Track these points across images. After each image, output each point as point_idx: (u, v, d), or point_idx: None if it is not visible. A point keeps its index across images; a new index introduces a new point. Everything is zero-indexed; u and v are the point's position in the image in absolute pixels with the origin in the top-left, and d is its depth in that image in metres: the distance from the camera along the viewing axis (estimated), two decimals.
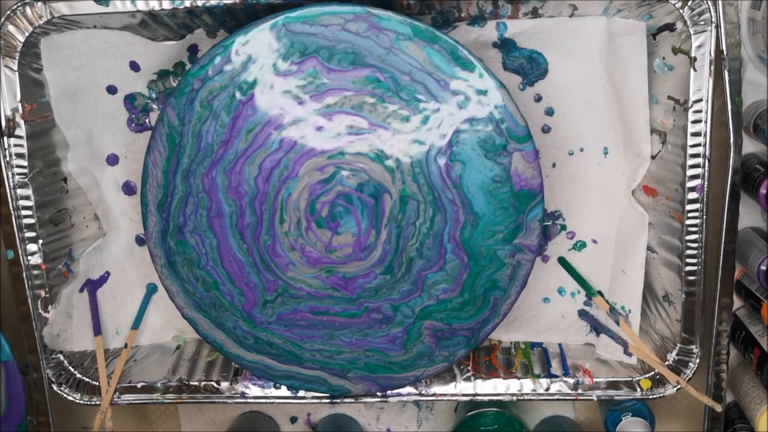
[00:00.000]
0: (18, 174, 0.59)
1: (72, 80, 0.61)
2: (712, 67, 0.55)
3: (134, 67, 0.62)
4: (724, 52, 0.57)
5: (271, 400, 0.65)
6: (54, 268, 0.62)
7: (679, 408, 0.73)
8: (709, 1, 0.54)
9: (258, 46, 0.55)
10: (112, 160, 0.65)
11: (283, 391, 0.65)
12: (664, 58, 0.58)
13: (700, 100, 0.56)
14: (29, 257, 0.61)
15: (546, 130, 0.64)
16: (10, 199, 0.60)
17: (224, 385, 0.65)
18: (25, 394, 0.65)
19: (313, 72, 0.56)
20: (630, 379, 0.64)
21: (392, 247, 0.59)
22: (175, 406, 0.75)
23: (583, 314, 0.67)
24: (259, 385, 0.65)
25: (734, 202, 0.59)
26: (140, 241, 0.67)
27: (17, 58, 0.58)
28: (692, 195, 0.58)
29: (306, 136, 0.57)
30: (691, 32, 0.55)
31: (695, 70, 0.56)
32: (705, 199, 0.58)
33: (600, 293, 0.65)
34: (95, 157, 0.64)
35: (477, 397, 0.64)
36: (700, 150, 0.57)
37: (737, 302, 0.69)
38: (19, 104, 0.58)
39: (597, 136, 0.63)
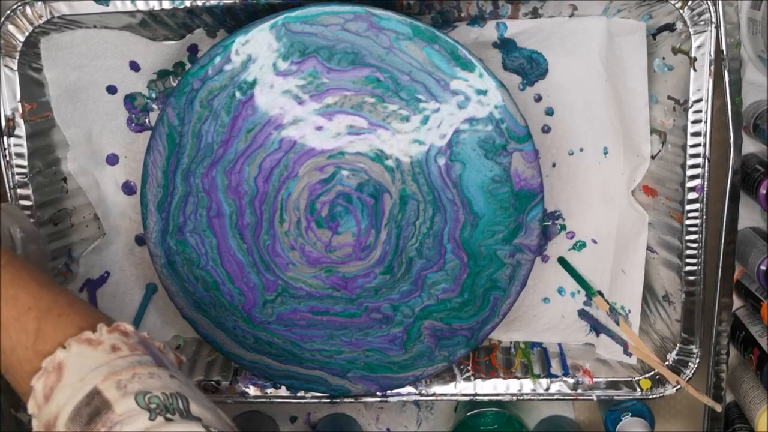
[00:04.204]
0: (18, 174, 0.59)
1: (72, 80, 0.61)
2: (712, 67, 0.55)
3: (134, 66, 0.62)
4: (724, 52, 0.56)
5: (271, 400, 0.65)
6: (54, 267, 0.62)
7: (679, 408, 0.73)
8: (709, 1, 0.54)
9: (258, 45, 0.55)
10: (112, 159, 0.65)
11: (283, 391, 0.65)
12: (664, 58, 0.58)
13: (700, 100, 0.56)
14: None
15: (546, 130, 0.64)
16: (10, 199, 0.60)
17: (224, 385, 0.65)
18: None
19: (312, 72, 0.56)
20: (630, 379, 0.64)
21: (392, 246, 0.59)
22: None
23: (583, 314, 0.67)
24: (259, 385, 0.65)
25: (734, 202, 0.59)
26: (140, 240, 0.67)
27: (17, 57, 0.57)
28: (692, 195, 0.58)
29: (306, 135, 0.57)
30: (691, 32, 0.55)
31: (695, 70, 0.56)
32: (705, 199, 0.58)
33: (600, 293, 0.65)
34: (95, 156, 0.64)
35: (477, 397, 0.64)
36: (700, 150, 0.57)
37: (737, 302, 0.69)
38: (19, 104, 0.58)
39: (597, 136, 0.63)
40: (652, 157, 0.61)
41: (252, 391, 0.65)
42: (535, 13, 0.59)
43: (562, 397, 0.64)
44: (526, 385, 0.64)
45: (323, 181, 0.58)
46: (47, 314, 0.42)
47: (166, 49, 0.62)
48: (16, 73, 0.58)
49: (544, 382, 0.64)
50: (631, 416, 0.65)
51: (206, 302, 0.61)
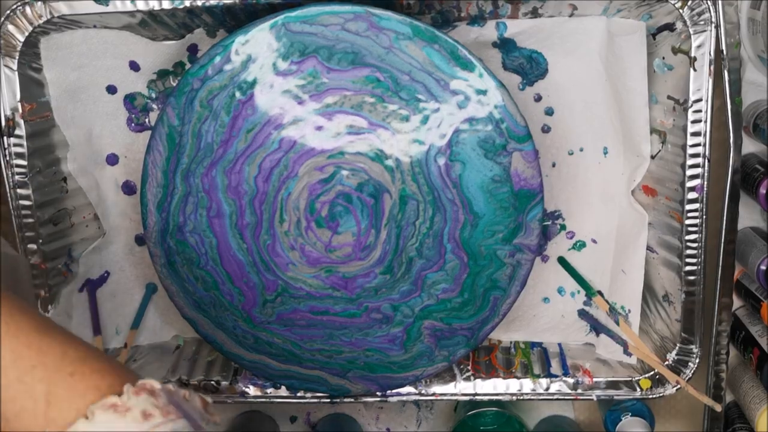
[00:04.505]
0: (18, 174, 0.59)
1: (72, 80, 0.61)
2: (712, 67, 0.55)
3: (134, 66, 0.62)
4: (724, 52, 0.57)
5: (271, 400, 0.65)
6: (53, 267, 0.62)
7: (679, 408, 0.73)
8: (708, 1, 0.54)
9: (258, 45, 0.55)
10: (112, 159, 0.65)
11: (283, 391, 0.65)
12: (663, 58, 0.58)
13: (699, 100, 0.56)
14: (29, 257, 0.61)
15: (546, 130, 0.64)
16: (10, 199, 0.60)
17: (224, 385, 0.65)
18: None
19: (312, 71, 0.56)
20: (630, 378, 0.64)
21: (392, 246, 0.59)
22: None
23: (582, 314, 0.67)
24: (259, 385, 0.65)
25: (734, 202, 0.59)
26: (140, 240, 0.67)
27: (17, 57, 0.58)
28: (692, 195, 0.58)
29: (306, 135, 0.57)
30: (691, 32, 0.55)
31: (695, 70, 0.56)
32: (705, 199, 0.58)
33: (600, 293, 0.65)
34: (95, 156, 0.64)
35: (477, 397, 0.64)
36: (699, 150, 0.57)
37: (737, 302, 0.69)
38: (19, 104, 0.58)
39: (597, 135, 0.63)
40: (652, 157, 0.61)
41: (252, 391, 0.65)
42: (534, 13, 0.59)
43: (562, 397, 0.64)
44: (526, 385, 0.64)
45: (323, 180, 0.58)
46: (57, 373, 0.35)
47: (166, 49, 0.62)
48: (16, 73, 0.58)
49: (544, 382, 0.64)
50: (631, 416, 0.65)
51: (206, 302, 0.61)
